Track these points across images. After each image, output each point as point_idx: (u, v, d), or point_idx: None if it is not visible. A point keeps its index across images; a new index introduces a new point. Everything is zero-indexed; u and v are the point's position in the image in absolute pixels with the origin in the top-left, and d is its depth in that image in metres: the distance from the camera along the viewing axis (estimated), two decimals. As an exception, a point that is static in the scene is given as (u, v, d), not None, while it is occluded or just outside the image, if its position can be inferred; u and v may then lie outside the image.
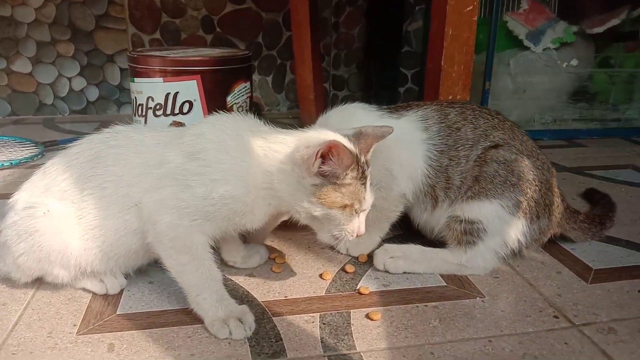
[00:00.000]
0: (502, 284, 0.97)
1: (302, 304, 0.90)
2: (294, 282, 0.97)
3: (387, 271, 1.00)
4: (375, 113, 1.06)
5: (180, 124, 1.33)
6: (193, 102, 1.33)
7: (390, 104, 1.10)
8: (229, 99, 1.38)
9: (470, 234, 0.98)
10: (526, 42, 1.90)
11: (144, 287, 0.94)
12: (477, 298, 0.92)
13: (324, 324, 0.84)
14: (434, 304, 0.90)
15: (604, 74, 2.03)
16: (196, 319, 0.83)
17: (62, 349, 0.77)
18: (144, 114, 1.36)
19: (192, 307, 0.83)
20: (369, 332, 0.82)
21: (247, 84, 1.42)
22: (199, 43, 2.19)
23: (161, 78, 1.32)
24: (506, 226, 0.99)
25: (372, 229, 1.02)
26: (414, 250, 1.03)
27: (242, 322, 0.80)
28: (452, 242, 1.01)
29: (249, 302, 0.90)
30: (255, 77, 2.27)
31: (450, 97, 1.21)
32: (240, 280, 0.97)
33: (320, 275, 0.99)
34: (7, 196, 0.92)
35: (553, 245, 1.11)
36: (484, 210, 0.98)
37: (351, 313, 0.87)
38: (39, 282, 0.92)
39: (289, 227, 1.09)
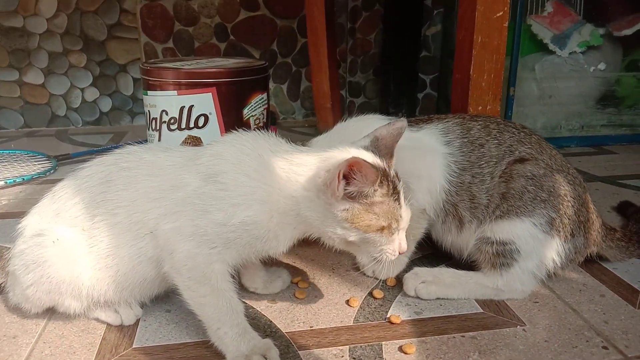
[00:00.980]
0: (543, 309, 0.91)
1: (329, 335, 0.84)
2: (319, 310, 0.91)
3: (418, 297, 0.93)
4: None
5: (195, 139, 1.28)
6: (209, 116, 1.27)
7: (409, 111, 1.05)
8: (245, 111, 1.32)
9: (503, 255, 0.92)
10: (551, 46, 1.84)
11: (161, 316, 0.89)
12: (518, 327, 0.86)
13: (354, 358, 0.78)
14: (471, 334, 0.84)
15: (632, 77, 1.95)
16: (217, 354, 0.77)
17: (74, 389, 0.72)
18: (157, 128, 1.31)
19: (212, 341, 0.77)
20: (403, 367, 0.76)
21: (264, 95, 1.36)
22: (213, 51, 2.15)
23: (175, 91, 1.27)
24: (541, 246, 0.92)
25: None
26: (446, 274, 0.96)
27: (266, 359, 0.74)
28: (485, 266, 0.94)
29: (273, 332, 0.84)
30: (270, 85, 2.22)
31: (480, 107, 1.15)
32: (262, 307, 0.91)
33: (347, 302, 0.93)
34: (18, 215, 0.88)
35: (592, 265, 1.04)
36: (515, 229, 0.92)
37: (383, 345, 0.81)
38: (50, 312, 0.87)
39: (310, 244, 1.02)
